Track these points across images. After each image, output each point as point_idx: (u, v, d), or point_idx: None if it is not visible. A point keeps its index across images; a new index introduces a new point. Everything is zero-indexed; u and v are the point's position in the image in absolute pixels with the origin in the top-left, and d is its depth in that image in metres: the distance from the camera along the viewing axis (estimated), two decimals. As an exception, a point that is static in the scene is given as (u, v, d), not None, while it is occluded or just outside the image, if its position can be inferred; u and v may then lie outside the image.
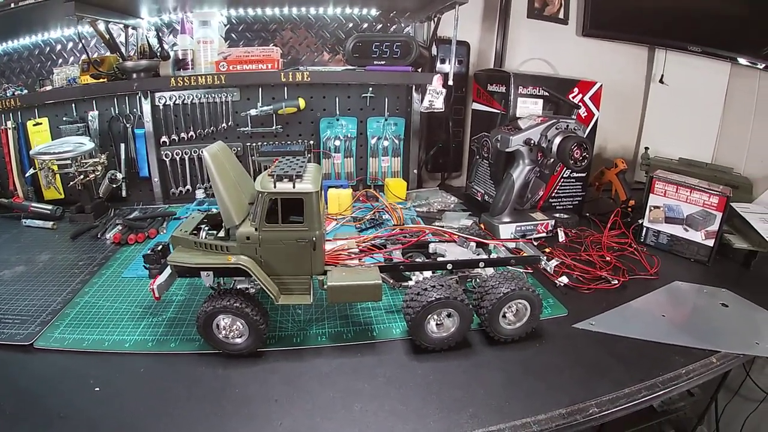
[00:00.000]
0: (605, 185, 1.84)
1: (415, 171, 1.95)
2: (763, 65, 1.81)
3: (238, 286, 0.90)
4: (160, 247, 0.96)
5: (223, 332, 0.87)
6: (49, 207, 1.57)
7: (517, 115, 1.53)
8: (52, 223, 1.53)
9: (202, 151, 0.84)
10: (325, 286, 0.87)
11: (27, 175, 1.66)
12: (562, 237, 1.47)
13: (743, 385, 1.78)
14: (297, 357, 0.89)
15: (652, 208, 1.44)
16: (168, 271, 0.90)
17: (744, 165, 1.90)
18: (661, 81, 2.14)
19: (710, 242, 1.34)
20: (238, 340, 0.87)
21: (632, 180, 2.15)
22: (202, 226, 0.93)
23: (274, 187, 0.81)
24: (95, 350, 0.90)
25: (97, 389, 0.80)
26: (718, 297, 1.18)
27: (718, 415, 1.88)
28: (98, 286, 1.14)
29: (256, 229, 0.84)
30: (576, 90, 1.58)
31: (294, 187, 0.81)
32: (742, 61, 1.87)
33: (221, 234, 0.90)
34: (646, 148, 2.05)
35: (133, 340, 0.93)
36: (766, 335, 1.03)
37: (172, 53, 1.71)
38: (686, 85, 2.10)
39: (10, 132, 1.66)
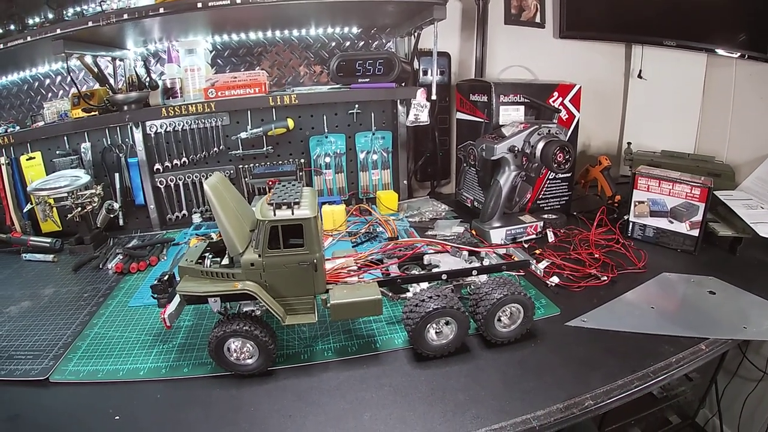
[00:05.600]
0: (591, 182, 1.88)
1: (405, 182, 1.99)
2: (738, 54, 1.85)
3: (244, 310, 0.93)
4: (166, 277, 0.99)
5: (234, 354, 0.90)
6: (48, 240, 1.59)
7: (500, 123, 1.58)
8: (52, 256, 1.54)
9: (204, 185, 0.87)
10: (328, 305, 0.91)
11: (24, 210, 1.68)
12: (551, 237, 1.51)
13: (741, 366, 1.82)
14: (306, 373, 0.93)
15: (637, 203, 1.48)
16: (177, 299, 0.93)
17: (726, 153, 1.95)
18: (639, 76, 2.18)
19: (695, 232, 1.38)
20: (249, 361, 0.91)
21: (618, 175, 2.19)
22: (206, 254, 0.97)
23: (274, 215, 0.85)
24: (111, 380, 0.93)
25: (117, 418, 0.82)
26: (705, 285, 1.22)
27: (719, 396, 1.92)
28: (106, 317, 1.16)
29: (259, 256, 0.87)
30: (556, 94, 1.62)
31: (293, 213, 0.85)
32: (718, 51, 1.90)
33: (225, 261, 0.94)
34: (629, 143, 2.10)
35: (147, 368, 0.95)
36: (753, 319, 1.07)
37: (160, 82, 1.74)
38: (665, 78, 2.14)
39: (3, 167, 1.67)
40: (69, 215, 1.55)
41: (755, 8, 1.78)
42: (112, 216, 1.68)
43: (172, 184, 1.79)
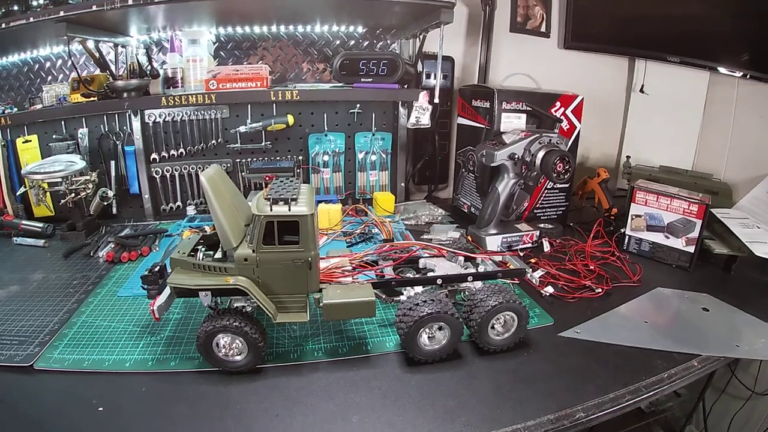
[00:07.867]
0: (588, 194, 1.88)
1: (403, 184, 1.98)
2: (741, 73, 1.86)
3: (235, 305, 0.92)
4: (157, 268, 0.98)
5: (223, 350, 0.89)
6: (40, 225, 1.57)
7: (501, 130, 1.57)
8: (44, 241, 1.52)
9: (200, 176, 0.86)
10: (321, 304, 0.90)
11: (18, 193, 1.67)
12: (547, 247, 1.51)
13: (729, 383, 1.82)
14: (295, 372, 0.92)
15: (634, 217, 1.48)
16: (167, 291, 0.92)
17: (724, 171, 1.96)
18: (641, 91, 2.19)
19: (691, 248, 1.38)
20: (238, 358, 0.89)
21: (615, 188, 2.20)
22: (199, 247, 0.95)
23: (271, 210, 0.83)
24: (96, 370, 0.91)
25: (101, 409, 0.81)
26: (699, 302, 1.22)
27: (706, 414, 1.93)
28: (94, 306, 1.15)
29: (253, 251, 0.86)
30: (558, 104, 1.62)
31: (290, 210, 0.83)
32: (721, 69, 1.91)
33: (219, 255, 0.92)
34: (628, 157, 2.10)
35: (133, 360, 0.94)
36: (746, 337, 1.07)
37: (161, 71, 1.73)
38: (666, 94, 2.15)
39: (-1, 150, 1.66)
40: (62, 201, 1.53)
41: (759, 29, 1.79)
42: (105, 204, 1.67)
43: (167, 175, 1.77)
